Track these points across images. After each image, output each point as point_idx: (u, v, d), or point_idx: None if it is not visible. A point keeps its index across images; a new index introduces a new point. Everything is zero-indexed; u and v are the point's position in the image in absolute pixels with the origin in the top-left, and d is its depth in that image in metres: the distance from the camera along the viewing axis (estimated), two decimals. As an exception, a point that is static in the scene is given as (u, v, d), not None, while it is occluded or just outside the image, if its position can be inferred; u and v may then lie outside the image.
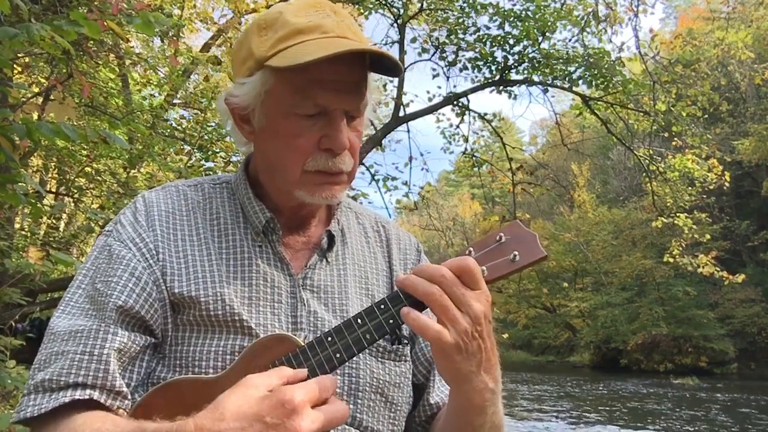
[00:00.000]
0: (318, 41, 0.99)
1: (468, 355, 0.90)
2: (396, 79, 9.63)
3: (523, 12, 9.22)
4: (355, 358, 1.05)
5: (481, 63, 9.77)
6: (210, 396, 0.80)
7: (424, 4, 9.29)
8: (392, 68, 1.04)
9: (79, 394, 0.91)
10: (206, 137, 6.77)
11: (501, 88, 10.01)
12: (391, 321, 0.93)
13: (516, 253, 0.98)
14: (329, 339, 0.93)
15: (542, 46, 9.43)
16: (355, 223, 1.24)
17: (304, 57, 0.94)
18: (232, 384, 0.81)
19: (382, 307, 0.94)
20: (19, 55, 3.78)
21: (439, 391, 1.18)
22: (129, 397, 0.96)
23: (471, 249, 0.99)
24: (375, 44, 10.41)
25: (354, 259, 1.18)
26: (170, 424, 0.79)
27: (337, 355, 0.92)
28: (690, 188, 10.99)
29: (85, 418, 0.89)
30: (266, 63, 1.00)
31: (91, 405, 0.92)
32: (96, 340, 0.95)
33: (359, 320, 0.93)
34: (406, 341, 1.14)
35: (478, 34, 9.61)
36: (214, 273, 1.04)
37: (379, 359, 1.09)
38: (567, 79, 9.62)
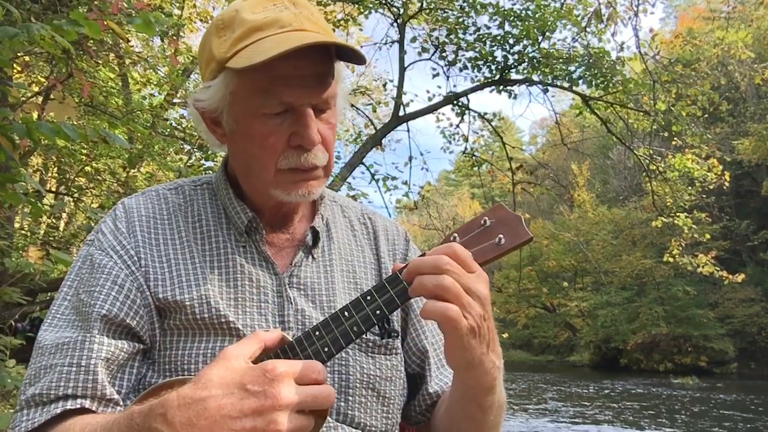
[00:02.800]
0: (274, 37, 0.97)
1: (481, 338, 0.89)
2: (396, 79, 9.64)
3: (523, 11, 9.22)
4: (344, 355, 1.05)
5: (481, 63, 9.76)
6: None
7: (424, 4, 9.28)
8: (357, 55, 1.02)
9: (70, 404, 0.91)
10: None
11: (501, 87, 9.99)
12: (378, 312, 0.92)
13: (501, 236, 0.96)
14: (317, 333, 0.92)
15: (542, 45, 9.42)
16: (340, 216, 1.23)
17: (259, 56, 0.93)
18: None
19: (368, 298, 0.93)
20: (19, 54, 3.77)
21: (438, 380, 1.16)
22: (120, 403, 0.96)
23: (455, 235, 0.98)
24: (375, 43, 10.41)
25: (341, 253, 1.16)
26: (156, 400, 0.79)
27: (326, 349, 0.91)
28: (690, 188, 10.97)
29: (75, 420, 0.90)
30: (226, 65, 0.99)
31: (83, 413, 0.92)
32: (82, 351, 0.94)
33: (346, 313, 0.92)
34: (395, 334, 1.13)
35: (478, 33, 9.61)
36: (198, 276, 1.03)
37: (369, 354, 1.08)
38: (567, 78, 9.60)
